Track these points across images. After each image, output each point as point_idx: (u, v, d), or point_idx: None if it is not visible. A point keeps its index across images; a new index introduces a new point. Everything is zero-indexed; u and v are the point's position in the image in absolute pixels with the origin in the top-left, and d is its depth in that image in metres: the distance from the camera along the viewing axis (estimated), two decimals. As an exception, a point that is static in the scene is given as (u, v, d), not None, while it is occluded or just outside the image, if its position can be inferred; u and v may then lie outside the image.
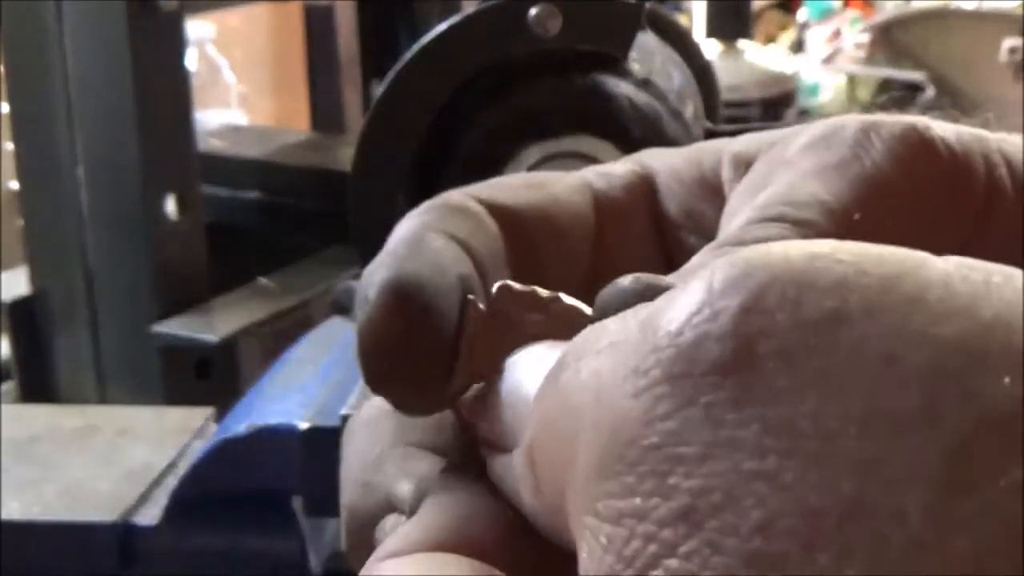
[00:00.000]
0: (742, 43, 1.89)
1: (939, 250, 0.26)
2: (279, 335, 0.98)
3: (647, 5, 0.57)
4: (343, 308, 0.75)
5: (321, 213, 1.06)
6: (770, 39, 3.49)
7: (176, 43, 0.94)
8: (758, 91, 1.82)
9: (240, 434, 0.61)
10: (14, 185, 1.06)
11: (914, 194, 0.26)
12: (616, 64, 0.56)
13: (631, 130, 0.54)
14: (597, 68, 0.55)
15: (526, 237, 0.28)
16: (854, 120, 0.28)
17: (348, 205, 0.57)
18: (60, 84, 0.94)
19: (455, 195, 0.29)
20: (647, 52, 0.60)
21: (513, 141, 0.55)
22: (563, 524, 0.19)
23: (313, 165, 1.12)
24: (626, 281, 0.23)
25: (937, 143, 0.27)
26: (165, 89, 0.93)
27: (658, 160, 0.31)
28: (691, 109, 0.62)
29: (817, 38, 3.26)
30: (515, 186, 0.29)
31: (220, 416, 0.71)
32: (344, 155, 1.11)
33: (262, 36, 2.55)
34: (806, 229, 0.25)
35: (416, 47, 0.56)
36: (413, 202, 0.57)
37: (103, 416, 0.75)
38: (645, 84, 0.56)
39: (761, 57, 1.95)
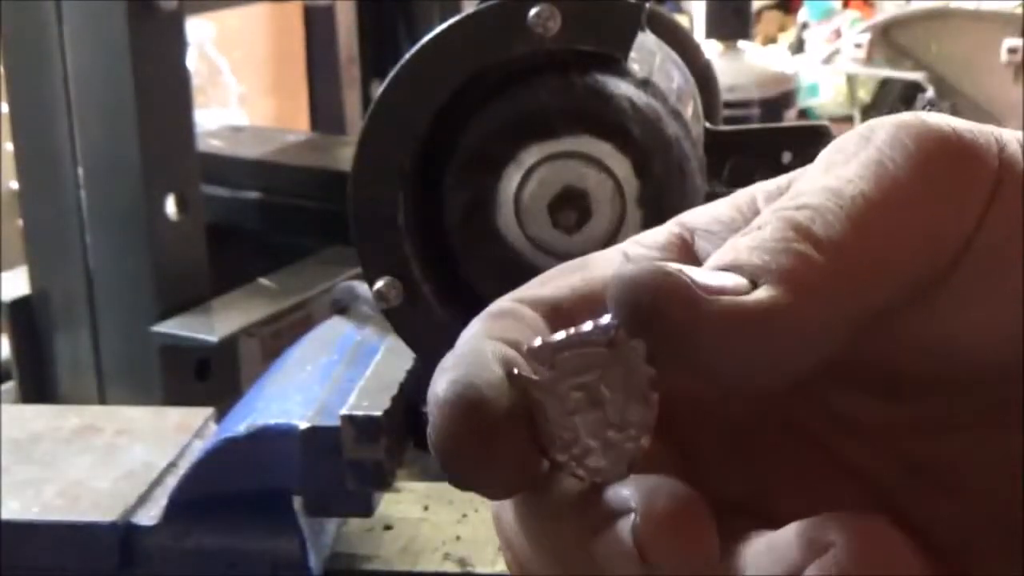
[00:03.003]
0: (742, 43, 1.89)
1: (949, 226, 0.27)
2: (279, 335, 0.98)
3: (647, 5, 0.57)
4: (343, 308, 0.75)
5: (321, 213, 1.06)
6: (770, 39, 3.49)
7: (176, 43, 0.94)
8: (758, 91, 1.82)
9: (240, 434, 0.61)
10: (14, 185, 1.06)
11: (920, 173, 0.27)
12: (616, 64, 0.56)
13: (631, 130, 0.54)
14: (597, 68, 0.55)
15: (569, 321, 0.29)
16: (859, 126, 0.29)
17: (348, 205, 0.57)
18: (60, 84, 0.94)
19: (500, 301, 0.31)
20: (647, 52, 0.60)
21: (513, 141, 0.55)
22: None
23: (313, 165, 1.12)
24: (627, 268, 0.26)
25: (940, 124, 0.28)
26: (165, 89, 0.93)
27: (698, 213, 0.32)
28: (691, 109, 0.62)
29: (817, 38, 3.26)
30: (555, 276, 0.32)
31: (220, 416, 0.71)
32: (344, 155, 1.11)
33: (262, 36, 2.55)
34: (816, 214, 0.27)
35: (416, 47, 0.55)
36: (413, 202, 0.57)
37: (103, 416, 0.75)
38: (645, 84, 0.56)
39: (761, 57, 1.95)
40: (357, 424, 0.58)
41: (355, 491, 0.60)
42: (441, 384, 0.27)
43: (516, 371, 0.27)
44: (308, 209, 1.07)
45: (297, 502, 0.62)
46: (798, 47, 3.30)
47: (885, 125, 0.28)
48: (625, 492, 0.26)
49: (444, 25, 0.55)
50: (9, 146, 1.00)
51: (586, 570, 0.27)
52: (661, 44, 0.65)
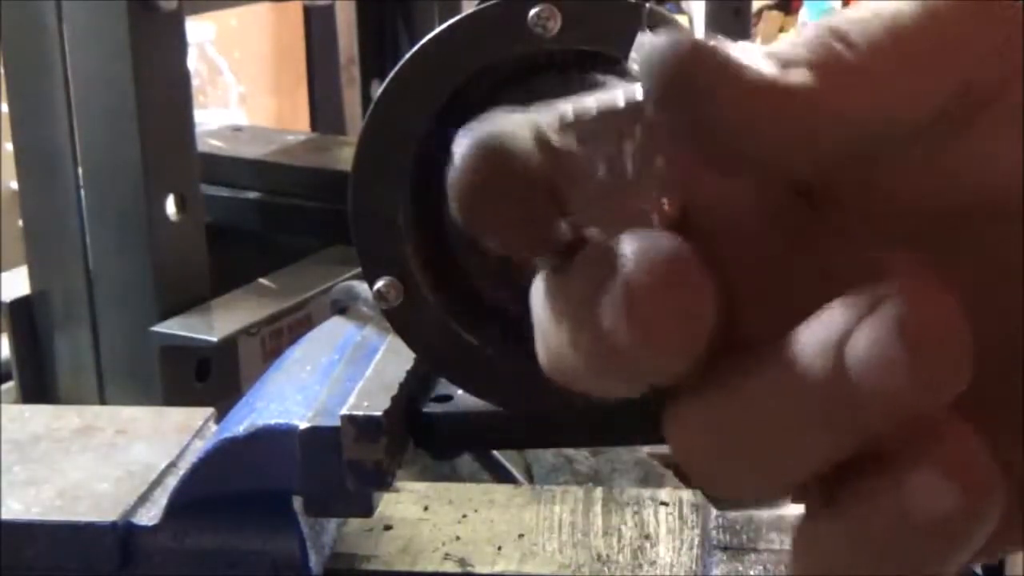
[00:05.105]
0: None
1: (987, 57, 0.27)
2: (279, 335, 0.98)
3: (647, 5, 0.57)
4: (343, 308, 0.75)
5: (321, 213, 1.06)
6: (770, 39, 3.50)
7: (176, 43, 0.94)
8: (758, 91, 1.82)
9: (240, 434, 0.61)
10: (14, 185, 1.06)
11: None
12: (616, 64, 0.56)
13: (631, 130, 0.54)
14: (597, 68, 0.55)
15: None
16: None
17: (348, 205, 0.57)
18: (60, 84, 0.94)
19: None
20: (647, 52, 0.60)
21: (513, 141, 0.55)
22: None
23: (313, 165, 1.12)
24: (653, 37, 0.27)
25: None
26: (165, 89, 0.93)
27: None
28: (691, 109, 0.61)
29: (817, 38, 3.26)
30: None
31: (220, 416, 0.71)
32: (344, 155, 1.11)
33: (262, 36, 2.56)
34: (854, 23, 0.27)
35: (416, 47, 0.55)
36: (413, 202, 0.57)
37: (103, 416, 0.75)
38: (645, 84, 0.56)
39: (761, 57, 1.95)
40: (357, 424, 0.58)
41: (355, 491, 0.60)
42: (468, 138, 0.27)
43: (544, 137, 0.28)
44: (308, 209, 1.07)
45: (297, 502, 0.62)
46: (798, 47, 3.29)
47: None
48: (626, 248, 0.26)
49: (444, 25, 0.55)
50: (9, 146, 1.00)
51: (594, 332, 0.27)
52: (661, 44, 0.65)
